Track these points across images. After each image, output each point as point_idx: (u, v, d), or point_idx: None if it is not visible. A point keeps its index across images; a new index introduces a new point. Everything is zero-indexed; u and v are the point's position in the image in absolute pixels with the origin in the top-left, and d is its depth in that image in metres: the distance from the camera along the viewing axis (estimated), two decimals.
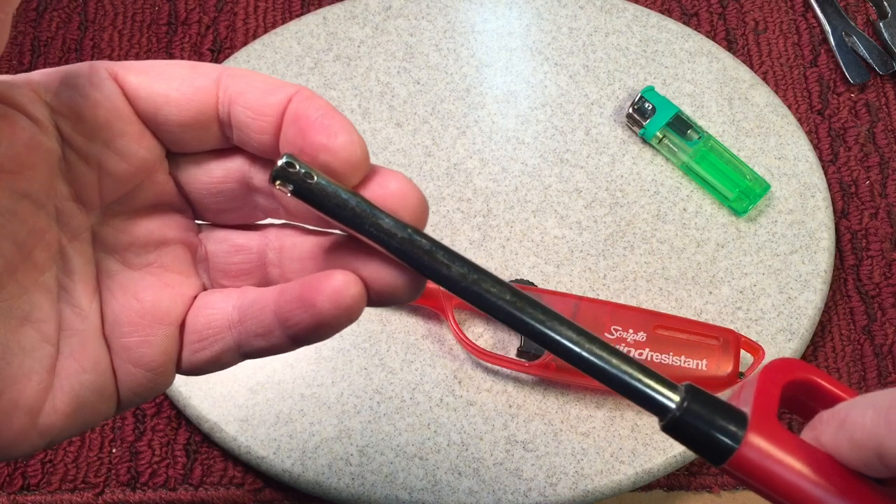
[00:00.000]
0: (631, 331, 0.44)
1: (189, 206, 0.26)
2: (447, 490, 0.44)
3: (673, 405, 0.22)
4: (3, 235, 0.21)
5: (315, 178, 0.22)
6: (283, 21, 0.55)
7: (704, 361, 0.43)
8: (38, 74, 0.23)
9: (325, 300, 0.22)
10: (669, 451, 0.45)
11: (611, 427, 0.45)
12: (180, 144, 0.24)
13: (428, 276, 0.23)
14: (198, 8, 0.55)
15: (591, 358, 0.23)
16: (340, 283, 0.22)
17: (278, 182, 0.22)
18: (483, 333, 0.47)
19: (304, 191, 0.22)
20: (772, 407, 0.23)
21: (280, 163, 0.22)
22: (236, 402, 0.45)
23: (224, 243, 0.26)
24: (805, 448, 0.22)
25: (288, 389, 0.46)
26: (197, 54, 0.54)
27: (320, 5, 0.55)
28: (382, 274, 0.23)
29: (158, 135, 0.24)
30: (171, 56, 0.54)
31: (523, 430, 0.45)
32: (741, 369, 0.44)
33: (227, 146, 0.24)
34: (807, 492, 0.22)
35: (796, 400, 0.24)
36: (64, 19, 0.55)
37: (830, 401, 0.24)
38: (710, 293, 0.48)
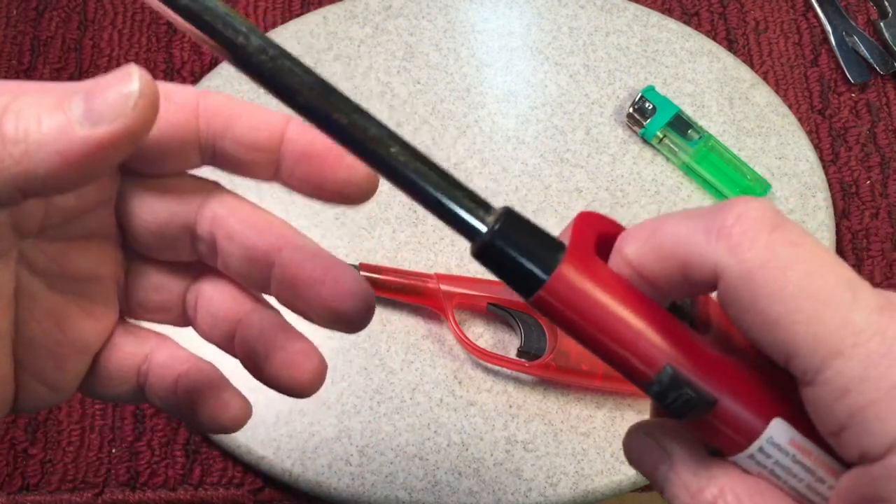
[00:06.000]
0: None
1: (122, 236, 0.25)
2: (447, 490, 0.44)
3: (484, 228, 0.20)
4: None
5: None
6: (283, 20, 0.55)
7: None
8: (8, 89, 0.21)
9: (206, 419, 0.26)
10: None
11: (611, 427, 0.45)
12: (150, 170, 0.23)
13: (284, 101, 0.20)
14: None
15: (407, 172, 0.20)
16: (233, 411, 0.27)
17: None
18: (483, 333, 0.47)
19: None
20: (589, 242, 0.20)
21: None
22: None
23: (146, 278, 0.25)
24: (621, 283, 0.20)
25: None
26: (197, 53, 0.54)
27: (320, 5, 0.55)
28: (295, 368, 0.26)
29: (125, 167, 0.23)
30: (170, 56, 0.54)
31: (523, 431, 0.45)
32: None
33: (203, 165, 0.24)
34: (618, 329, 0.19)
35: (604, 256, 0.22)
36: (63, 19, 0.55)
37: None
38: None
